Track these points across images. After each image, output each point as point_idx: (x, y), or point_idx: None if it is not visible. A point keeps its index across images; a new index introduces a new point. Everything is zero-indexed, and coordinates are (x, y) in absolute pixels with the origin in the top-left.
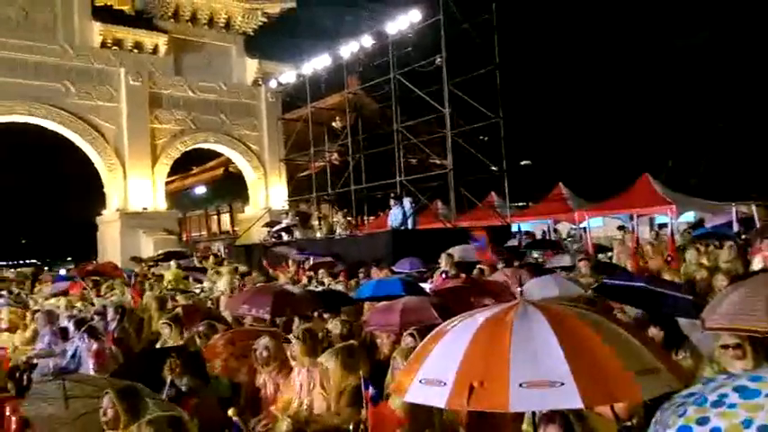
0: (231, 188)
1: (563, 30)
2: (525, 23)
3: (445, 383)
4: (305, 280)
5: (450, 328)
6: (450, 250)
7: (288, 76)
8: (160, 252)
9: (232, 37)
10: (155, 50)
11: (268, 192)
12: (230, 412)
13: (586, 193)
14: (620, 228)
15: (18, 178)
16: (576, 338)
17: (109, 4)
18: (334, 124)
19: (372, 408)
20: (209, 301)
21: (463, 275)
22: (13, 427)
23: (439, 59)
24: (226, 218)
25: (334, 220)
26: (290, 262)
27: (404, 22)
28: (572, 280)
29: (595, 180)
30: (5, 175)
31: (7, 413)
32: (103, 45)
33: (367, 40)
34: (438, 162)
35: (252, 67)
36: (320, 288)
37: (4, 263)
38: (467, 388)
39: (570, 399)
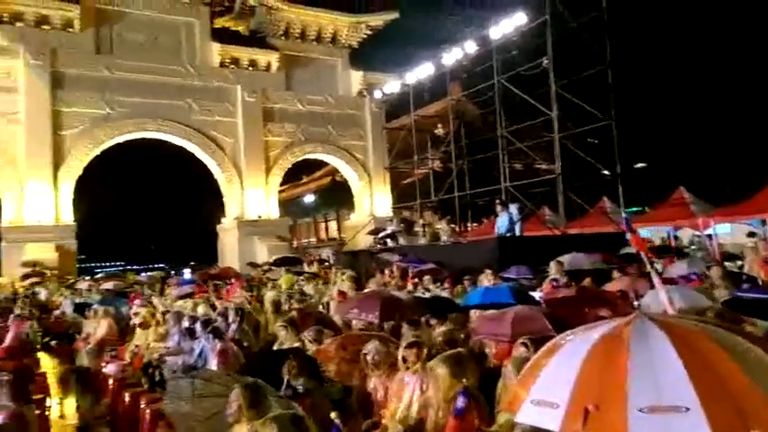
0: (338, 196)
1: (678, 23)
2: (637, 19)
3: (558, 405)
4: (410, 286)
5: (564, 342)
6: (560, 258)
7: (392, 86)
8: (274, 258)
9: (338, 51)
10: (268, 67)
11: (373, 199)
12: (332, 415)
13: (710, 197)
14: (751, 234)
15: (148, 190)
16: (702, 358)
17: (226, 26)
18: (436, 131)
19: (454, 421)
20: (321, 306)
21: (573, 284)
22: (147, 419)
23: (545, 61)
24: (333, 225)
25: (438, 226)
26: (395, 268)
27: (508, 26)
28: (700, 291)
29: (719, 183)
30: (138, 188)
31: (142, 406)
32: (222, 64)
33: (470, 46)
34: (544, 167)
35: (357, 78)
36: (427, 294)
37: (137, 267)
38: (581, 412)
39: (696, 426)
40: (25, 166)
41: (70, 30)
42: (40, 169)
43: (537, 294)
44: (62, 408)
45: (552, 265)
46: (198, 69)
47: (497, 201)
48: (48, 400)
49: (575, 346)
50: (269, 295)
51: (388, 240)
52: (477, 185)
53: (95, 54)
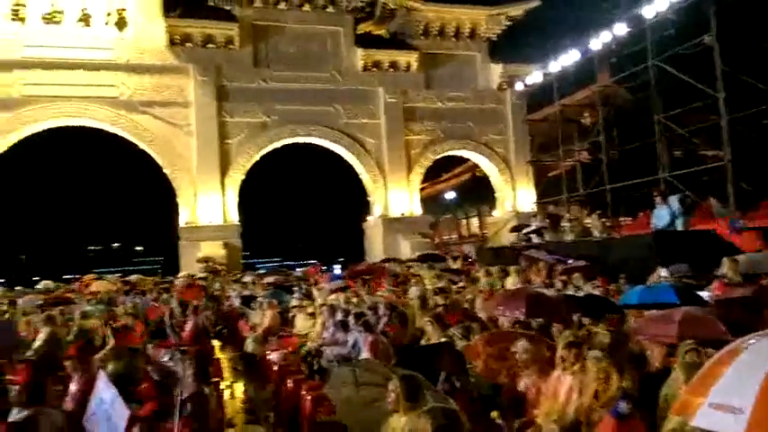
0: (479, 192)
1: None
2: None
3: (742, 411)
4: (558, 284)
5: (746, 346)
6: (736, 257)
7: (533, 76)
8: (417, 254)
9: (477, 45)
10: (408, 68)
11: (515, 194)
12: (494, 414)
13: None
14: None
15: (300, 191)
16: None
17: (368, 30)
18: (583, 121)
19: (612, 422)
20: (465, 302)
21: (749, 284)
22: (308, 404)
23: (707, 38)
24: (474, 221)
25: (587, 221)
26: (541, 265)
27: (663, 3)
28: None
29: None
30: (290, 189)
31: (303, 392)
32: (365, 68)
33: (620, 29)
34: (710, 154)
35: (496, 71)
36: (580, 293)
37: (291, 263)
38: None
39: None
40: (197, 173)
41: (231, 47)
42: (210, 175)
43: (705, 294)
44: (232, 390)
45: (725, 262)
46: (343, 75)
47: (656, 192)
48: (221, 383)
49: (760, 351)
50: (414, 291)
51: (533, 236)
52: (631, 176)
53: (253, 67)
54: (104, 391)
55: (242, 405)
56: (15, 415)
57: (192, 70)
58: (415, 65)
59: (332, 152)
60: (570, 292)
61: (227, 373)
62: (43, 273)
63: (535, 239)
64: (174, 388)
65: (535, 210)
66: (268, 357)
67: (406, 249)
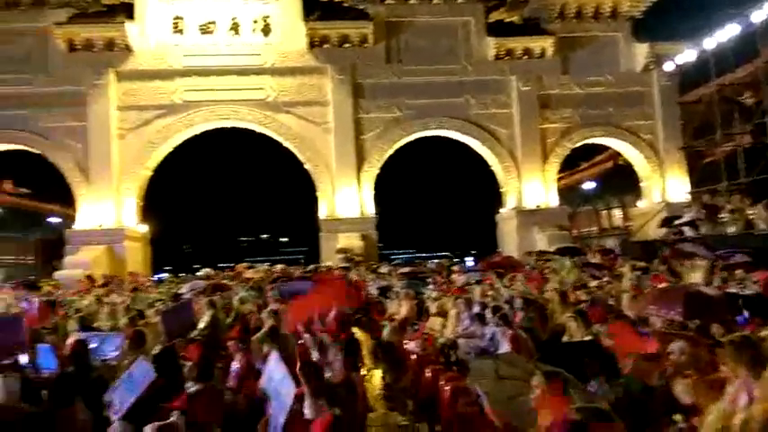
0: (621, 182)
1: None
2: None
3: None
4: (717, 281)
5: None
6: None
7: (685, 55)
8: (554, 247)
9: (619, 24)
10: (542, 54)
11: (664, 184)
12: (677, 417)
13: None
14: None
15: (432, 184)
16: None
17: (500, 18)
18: (744, 101)
19: None
20: (610, 298)
21: None
22: (448, 395)
23: None
24: (616, 213)
25: (751, 212)
26: (700, 261)
27: None
28: None
29: None
30: (423, 182)
31: (441, 382)
32: (497, 57)
33: None
34: None
35: (641, 51)
36: (746, 291)
37: (424, 255)
38: None
39: None
40: (335, 168)
41: (365, 45)
42: (347, 170)
43: None
44: (371, 377)
45: None
46: (474, 65)
47: None
48: (362, 369)
49: None
50: (552, 285)
51: (686, 229)
52: None
53: (386, 63)
54: (275, 369)
55: (381, 392)
56: (191, 388)
57: (330, 70)
58: (550, 50)
59: (463, 144)
60: (734, 290)
61: (366, 361)
62: (203, 261)
63: (689, 232)
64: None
65: (689, 200)
66: (406, 346)
67: (541, 242)
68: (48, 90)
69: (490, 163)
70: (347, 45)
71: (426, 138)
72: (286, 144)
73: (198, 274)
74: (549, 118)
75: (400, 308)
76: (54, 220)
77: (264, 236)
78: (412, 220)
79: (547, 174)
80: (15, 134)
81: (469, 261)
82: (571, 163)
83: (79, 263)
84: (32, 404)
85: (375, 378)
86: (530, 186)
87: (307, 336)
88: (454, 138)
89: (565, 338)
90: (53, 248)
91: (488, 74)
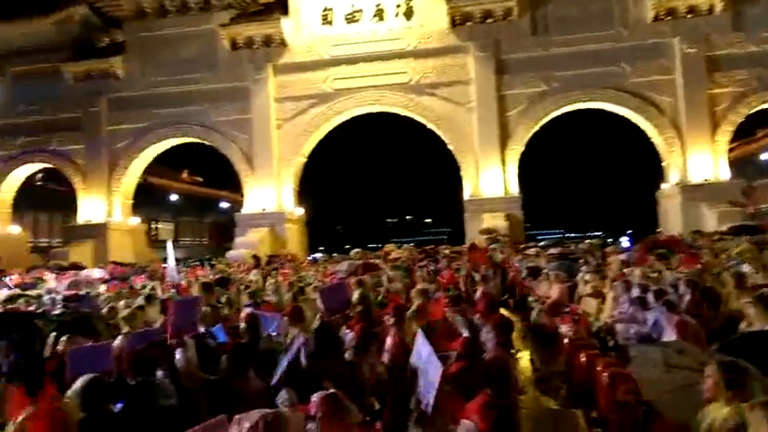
0: None
1: None
2: None
3: None
4: None
5: None
6: None
7: None
8: (727, 226)
9: None
10: (710, 10)
11: None
12: None
13: None
14: None
15: (583, 160)
16: None
17: None
18: None
19: None
20: None
21: None
22: (605, 382)
23: None
24: None
25: None
26: None
27: None
28: None
29: None
30: (572, 158)
31: (598, 368)
32: (656, 19)
33: None
34: None
35: None
36: None
37: (574, 235)
38: None
39: None
40: (479, 148)
41: (509, 18)
42: (491, 149)
43: None
44: (521, 360)
45: None
46: (630, 30)
47: None
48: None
49: None
50: (727, 268)
51: None
52: None
53: (531, 36)
54: (422, 347)
55: (532, 375)
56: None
57: (472, 48)
58: (719, 5)
59: (618, 116)
60: None
61: (515, 343)
62: (353, 242)
63: None
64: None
65: None
66: (558, 330)
67: (710, 220)
68: (216, 87)
69: (649, 135)
70: (490, 21)
71: (575, 112)
72: (429, 126)
73: (350, 254)
74: (718, 82)
75: (550, 290)
76: (224, 205)
77: (409, 217)
78: (560, 198)
79: (717, 144)
80: (191, 128)
81: (625, 241)
82: (745, 131)
83: (246, 243)
84: (210, 372)
85: (524, 360)
86: (696, 159)
87: (457, 317)
88: (607, 110)
89: (742, 326)
90: (224, 230)
91: (647, 37)
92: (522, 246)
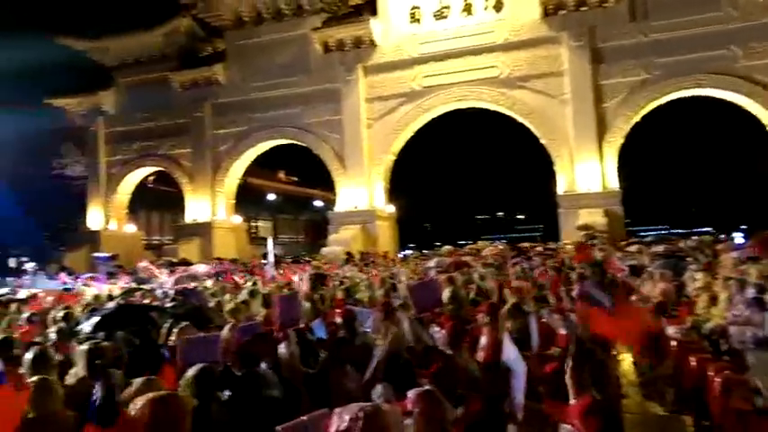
0: None
1: None
2: None
3: None
4: None
5: None
6: None
7: None
8: None
9: None
10: None
11: None
12: None
13: None
14: None
15: (688, 151)
16: None
17: None
18: None
19: None
20: None
21: None
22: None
23: None
24: None
25: None
26: None
27: None
28: None
29: None
30: (677, 150)
31: (710, 373)
32: None
33: None
34: None
35: None
36: None
37: (680, 231)
38: None
39: None
40: (574, 141)
41: (605, 5)
42: (587, 142)
43: None
44: (622, 362)
45: None
46: (741, 9)
47: None
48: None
49: None
50: None
51: None
52: None
53: (629, 22)
54: (509, 348)
55: (636, 378)
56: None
57: (566, 38)
58: None
59: (727, 102)
60: None
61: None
62: (443, 239)
63: None
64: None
65: None
66: (666, 332)
67: None
68: (309, 89)
69: (764, 122)
70: (584, 8)
71: (680, 100)
72: (521, 120)
73: (439, 251)
74: None
75: (655, 289)
76: (318, 203)
77: (500, 213)
78: (665, 192)
79: None
80: (286, 130)
81: (738, 237)
82: None
83: (340, 241)
84: (309, 366)
85: (626, 363)
86: None
87: (554, 315)
88: (716, 96)
89: None
90: (318, 228)
91: (761, 17)
92: (623, 243)
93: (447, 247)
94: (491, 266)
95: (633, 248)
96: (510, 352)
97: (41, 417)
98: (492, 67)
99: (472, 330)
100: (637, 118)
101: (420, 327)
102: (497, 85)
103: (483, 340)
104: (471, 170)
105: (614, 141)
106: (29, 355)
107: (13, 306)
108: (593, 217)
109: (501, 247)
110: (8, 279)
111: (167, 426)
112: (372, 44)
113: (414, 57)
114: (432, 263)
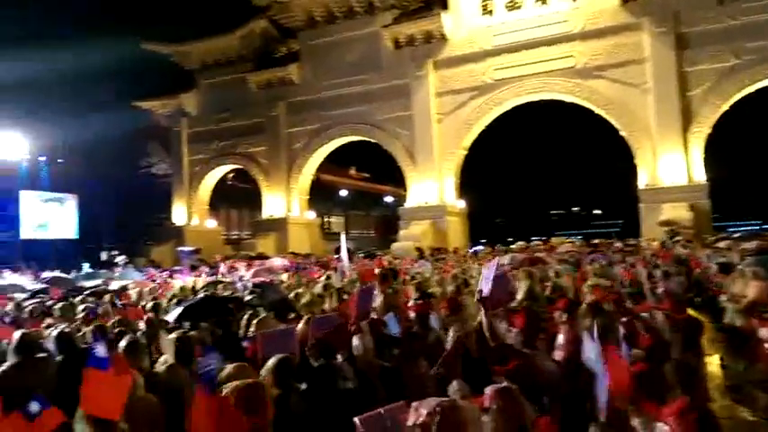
0: None
1: None
2: None
3: None
4: None
5: None
6: None
7: None
8: None
9: None
10: None
11: None
12: None
13: None
14: None
15: None
16: None
17: None
18: None
19: None
20: None
21: None
22: None
23: None
24: None
25: None
26: None
27: None
28: None
29: None
30: None
31: None
32: None
33: None
34: None
35: None
36: None
37: None
38: None
39: None
40: (656, 132)
41: None
42: (670, 133)
43: None
44: (709, 364)
45: None
46: None
47: None
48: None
49: None
50: None
51: None
52: None
53: (717, 5)
54: (590, 347)
55: (722, 382)
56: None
57: (647, 23)
58: None
59: None
60: None
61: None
62: (515, 234)
63: None
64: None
65: None
66: (758, 334)
67: None
68: (379, 86)
69: None
70: None
71: None
72: (598, 111)
73: (512, 246)
74: None
75: (746, 288)
76: (389, 199)
77: (576, 209)
78: (756, 186)
79: None
80: (357, 127)
81: None
82: None
83: (410, 236)
84: (382, 359)
85: (713, 365)
86: None
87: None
88: None
89: None
90: (388, 224)
91: None
92: (711, 239)
93: (519, 243)
94: (567, 263)
95: (722, 245)
96: (591, 351)
97: (129, 403)
98: (567, 56)
99: (548, 328)
100: (725, 106)
101: (497, 323)
102: (573, 76)
103: (560, 338)
104: (545, 164)
105: (700, 132)
106: (122, 343)
107: (107, 297)
108: (678, 212)
109: (577, 243)
110: (101, 271)
111: (253, 409)
112: (443, 38)
113: (486, 49)
114: (504, 259)
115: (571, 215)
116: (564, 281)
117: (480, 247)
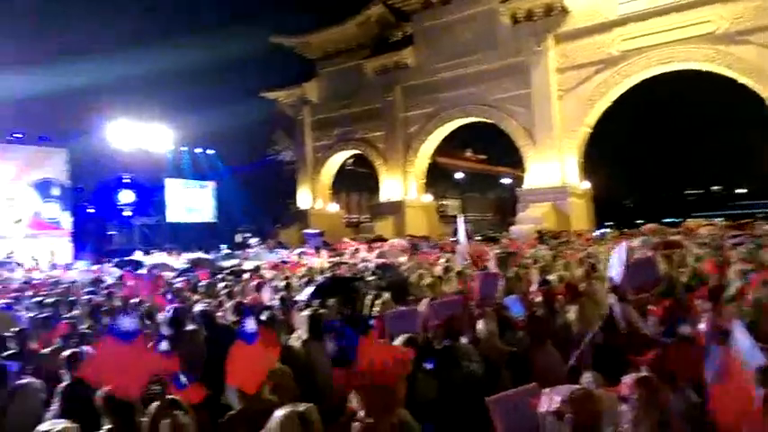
0: None
1: None
2: None
3: None
4: None
5: None
6: None
7: None
8: None
9: None
10: None
11: None
12: None
13: None
14: None
15: None
16: None
17: None
18: None
19: None
20: None
21: None
22: None
23: None
24: None
25: None
26: None
27: None
28: None
29: None
30: None
31: None
32: None
33: None
34: None
35: None
36: None
37: None
38: None
39: None
40: None
41: None
42: None
43: None
44: None
45: None
46: None
47: None
48: None
49: None
50: None
51: None
52: None
53: None
54: (741, 339)
55: None
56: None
57: None
58: None
59: None
60: None
61: None
62: (645, 216)
63: None
64: None
65: None
66: None
67: None
68: (495, 65)
69: None
70: None
71: None
72: (742, 80)
73: (641, 229)
74: None
75: None
76: (506, 180)
77: (716, 188)
78: None
79: None
80: (472, 108)
81: None
82: None
83: (529, 219)
84: (504, 342)
85: None
86: None
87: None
88: None
89: None
90: (506, 206)
91: None
92: None
93: (650, 225)
94: (707, 247)
95: None
96: (743, 343)
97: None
98: (705, 22)
99: (689, 317)
100: None
101: (633, 311)
102: (712, 42)
103: (702, 328)
104: (680, 141)
105: None
106: (262, 318)
107: (245, 275)
108: None
109: (718, 224)
110: (236, 252)
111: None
112: (564, 11)
113: (611, 19)
114: (635, 242)
115: (709, 195)
116: (704, 266)
117: (607, 230)
